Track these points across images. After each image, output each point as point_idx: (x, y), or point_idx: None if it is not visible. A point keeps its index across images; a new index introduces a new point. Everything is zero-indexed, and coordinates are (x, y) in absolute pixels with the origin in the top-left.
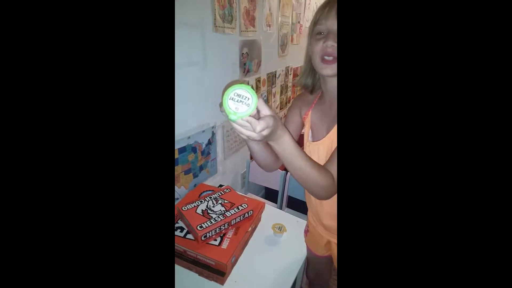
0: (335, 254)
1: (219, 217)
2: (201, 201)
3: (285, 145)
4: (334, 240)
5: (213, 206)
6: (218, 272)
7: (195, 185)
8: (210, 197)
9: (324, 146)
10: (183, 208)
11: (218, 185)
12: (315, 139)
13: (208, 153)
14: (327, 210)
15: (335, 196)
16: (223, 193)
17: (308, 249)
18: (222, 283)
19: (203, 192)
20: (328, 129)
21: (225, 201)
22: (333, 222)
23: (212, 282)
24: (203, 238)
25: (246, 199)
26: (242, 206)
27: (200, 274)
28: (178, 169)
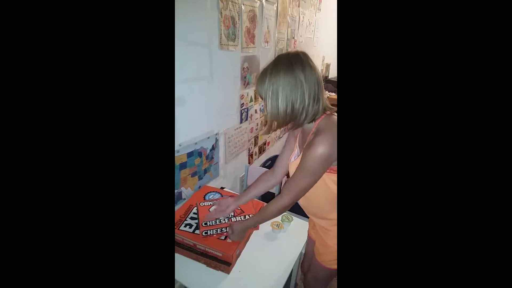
0: (318, 234)
1: (225, 220)
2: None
3: (248, 224)
4: (316, 220)
5: None
6: (225, 263)
7: (199, 187)
8: None
9: (295, 166)
10: (201, 204)
11: (220, 187)
12: (296, 158)
13: (212, 158)
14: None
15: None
16: None
17: (308, 236)
18: (228, 272)
19: (208, 193)
20: (300, 153)
21: (237, 208)
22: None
23: (219, 272)
24: (203, 234)
25: (255, 208)
26: (249, 216)
27: (208, 265)
28: (186, 172)
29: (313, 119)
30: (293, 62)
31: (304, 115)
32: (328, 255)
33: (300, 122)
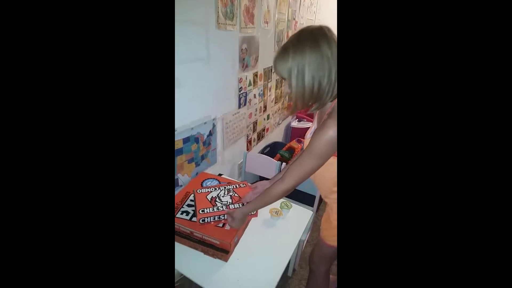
0: (326, 210)
1: (222, 207)
2: (215, 189)
3: (248, 209)
4: (322, 197)
5: (223, 196)
6: (223, 251)
7: (197, 173)
8: (225, 188)
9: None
10: (198, 191)
11: (218, 174)
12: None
13: (209, 144)
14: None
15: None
16: (237, 187)
17: None
18: (226, 260)
19: (205, 180)
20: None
21: (235, 195)
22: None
23: (217, 260)
24: (201, 222)
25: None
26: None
27: (206, 253)
28: (182, 158)
29: (334, 98)
30: (318, 37)
31: (330, 94)
32: (329, 230)
33: (325, 102)
